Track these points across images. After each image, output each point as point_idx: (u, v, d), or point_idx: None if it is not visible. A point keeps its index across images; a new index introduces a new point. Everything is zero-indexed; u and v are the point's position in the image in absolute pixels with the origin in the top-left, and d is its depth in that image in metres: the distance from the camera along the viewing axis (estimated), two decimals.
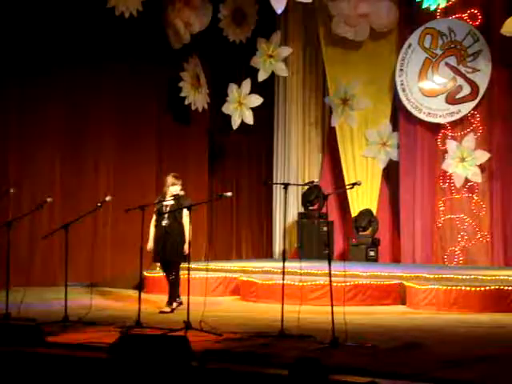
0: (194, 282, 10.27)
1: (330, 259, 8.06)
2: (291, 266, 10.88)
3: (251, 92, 14.89)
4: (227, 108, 15.00)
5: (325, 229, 14.88)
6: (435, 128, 14.85)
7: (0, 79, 12.74)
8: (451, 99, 14.50)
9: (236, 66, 15.12)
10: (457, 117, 14.50)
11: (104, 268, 13.64)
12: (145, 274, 11.96)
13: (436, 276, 11.59)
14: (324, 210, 15.30)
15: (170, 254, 10.24)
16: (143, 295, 9.46)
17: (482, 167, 14.29)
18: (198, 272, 11.60)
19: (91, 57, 13.32)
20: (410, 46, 14.90)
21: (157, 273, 11.80)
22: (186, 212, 10.04)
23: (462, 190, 14.49)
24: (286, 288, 8.82)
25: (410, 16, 14.86)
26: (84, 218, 10.10)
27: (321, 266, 11.58)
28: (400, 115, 15.23)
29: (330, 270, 7.98)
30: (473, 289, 10.58)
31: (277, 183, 16.14)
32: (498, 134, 14.32)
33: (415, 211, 14.92)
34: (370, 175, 15.38)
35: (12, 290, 9.71)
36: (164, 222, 10.27)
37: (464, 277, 11.41)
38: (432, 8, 13.78)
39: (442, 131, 14.77)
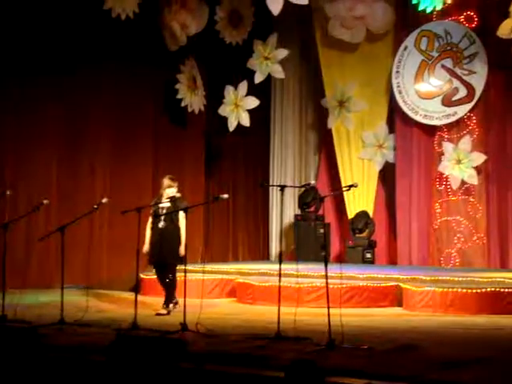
0: (191, 284, 10.22)
1: (326, 261, 8.05)
2: (288, 268, 10.86)
3: (248, 94, 14.89)
4: (224, 110, 15.00)
5: (321, 231, 14.89)
6: (431, 130, 14.87)
7: None
8: (447, 101, 14.51)
9: (232, 68, 15.11)
10: (453, 119, 14.51)
11: (100, 270, 13.62)
12: (141, 276, 11.95)
13: (432, 278, 11.59)
14: (320, 212, 15.32)
15: (167, 256, 10.23)
16: (139, 297, 9.45)
17: (478, 169, 14.30)
18: (195, 274, 11.59)
19: (88, 59, 13.31)
20: (406, 48, 14.91)
21: (153, 275, 11.77)
22: (182, 214, 10.03)
23: (459, 192, 14.50)
24: (283, 290, 8.82)
25: (406, 18, 14.87)
26: (80, 220, 10.08)
27: (317, 268, 11.56)
28: (396, 117, 15.25)
29: (326, 272, 7.97)
30: (469, 291, 10.57)
31: (273, 185, 16.14)
32: (495, 136, 14.33)
33: (411, 213, 14.93)
34: (367, 177, 15.39)
35: (8, 292, 9.71)
36: (160, 224, 10.26)
37: (460, 279, 11.42)
38: (428, 10, 13.80)
39: (439, 133, 14.78)
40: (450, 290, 10.66)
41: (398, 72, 14.98)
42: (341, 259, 15.13)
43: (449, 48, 14.52)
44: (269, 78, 15.29)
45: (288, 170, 16.32)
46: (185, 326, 8.45)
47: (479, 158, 14.27)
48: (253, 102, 14.92)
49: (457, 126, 14.59)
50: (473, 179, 14.30)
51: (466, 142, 14.37)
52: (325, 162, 16.29)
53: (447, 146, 14.53)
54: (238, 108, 14.91)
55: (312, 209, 15.63)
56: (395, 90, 14.99)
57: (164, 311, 10.17)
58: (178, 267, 10.25)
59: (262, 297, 11.36)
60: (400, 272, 12.35)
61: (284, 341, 7.91)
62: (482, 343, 8.22)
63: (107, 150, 13.94)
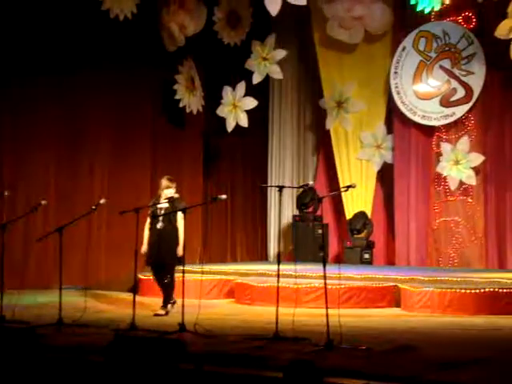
0: (189, 284, 10.24)
1: (324, 262, 8.06)
2: (286, 268, 10.85)
3: (246, 95, 14.90)
4: (222, 111, 15.00)
5: (319, 231, 14.91)
6: (430, 131, 14.88)
7: None
8: (445, 102, 14.52)
9: (230, 69, 15.12)
10: (451, 119, 14.53)
11: (98, 271, 13.61)
12: (140, 276, 11.94)
13: (430, 278, 11.60)
14: (319, 212, 15.33)
15: (165, 257, 10.22)
16: (138, 298, 9.44)
17: (476, 170, 14.31)
18: (193, 275, 11.58)
19: (86, 59, 13.31)
20: (404, 48, 14.93)
21: (151, 276, 11.77)
22: (180, 215, 10.02)
23: (457, 192, 14.51)
24: (281, 291, 8.82)
25: (405, 19, 14.89)
26: (78, 221, 10.08)
27: (316, 269, 11.56)
28: (394, 118, 15.26)
29: (324, 273, 7.97)
30: (467, 291, 10.57)
31: (271, 186, 16.15)
32: (493, 136, 14.35)
33: (410, 214, 14.94)
34: (365, 178, 15.40)
35: (6, 292, 9.70)
36: (158, 225, 10.25)
37: (459, 279, 11.42)
38: (426, 11, 13.81)
39: (437, 134, 14.80)
40: (449, 290, 10.66)
41: (396, 73, 14.99)
42: (339, 260, 15.14)
43: (447, 49, 14.53)
44: (267, 79, 15.31)
45: (286, 170, 16.33)
46: (183, 326, 8.44)
47: (477, 159, 14.28)
48: (251, 103, 14.93)
49: (455, 127, 14.61)
50: (471, 180, 14.31)
51: (464, 143, 14.38)
52: (323, 163, 16.30)
53: (445, 147, 14.54)
54: (236, 109, 14.91)
55: (310, 209, 15.63)
56: (393, 90, 15.00)
57: (162, 312, 10.16)
58: (176, 268, 10.24)
59: (261, 297, 11.36)
60: (398, 272, 12.35)
61: (282, 341, 7.90)
62: (480, 344, 8.22)
63: (106, 151, 13.93)
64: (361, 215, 15.19)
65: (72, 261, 12.59)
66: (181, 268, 9.48)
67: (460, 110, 14.42)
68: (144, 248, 10.24)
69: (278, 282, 8.59)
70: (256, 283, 11.70)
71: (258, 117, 15.58)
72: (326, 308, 7.81)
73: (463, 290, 10.60)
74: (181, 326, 8.44)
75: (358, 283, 11.45)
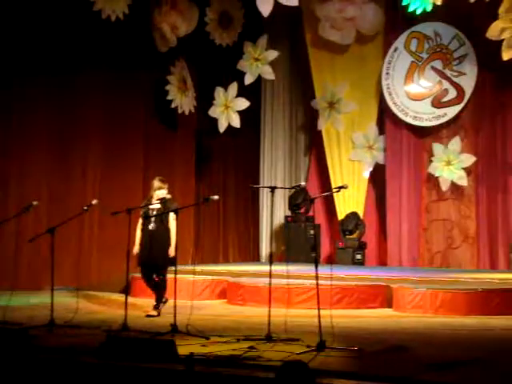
0: (181, 285, 10.23)
1: (316, 262, 8.06)
2: (278, 269, 10.86)
3: (238, 95, 14.90)
4: (214, 111, 15.00)
5: (311, 232, 14.93)
6: (421, 131, 14.91)
7: None
8: (437, 103, 14.56)
9: (223, 70, 15.13)
10: (443, 120, 14.56)
11: (90, 272, 13.59)
12: (131, 277, 11.91)
13: (422, 279, 11.62)
14: (311, 213, 15.35)
15: (157, 258, 10.20)
16: (130, 299, 9.44)
17: (467, 170, 14.35)
18: (185, 275, 11.58)
19: (77, 60, 13.29)
20: (396, 49, 14.96)
21: (141, 276, 11.75)
22: (172, 215, 10.01)
23: (448, 193, 14.54)
24: (273, 291, 8.81)
25: (396, 20, 14.92)
26: (70, 222, 10.06)
27: (308, 270, 11.58)
28: (386, 119, 15.29)
29: (316, 274, 7.98)
30: (459, 292, 10.59)
31: (264, 186, 16.16)
32: (484, 137, 14.39)
33: (401, 214, 14.97)
34: (357, 178, 15.42)
35: None
36: (150, 226, 10.24)
37: (450, 280, 11.44)
38: (418, 12, 13.82)
39: (428, 135, 14.83)
40: (440, 291, 10.66)
41: (387, 73, 15.02)
42: (331, 260, 15.16)
43: (438, 49, 14.57)
44: (259, 80, 15.32)
45: (278, 171, 16.34)
46: (175, 327, 8.44)
47: (469, 160, 14.32)
48: (243, 104, 14.93)
49: (446, 128, 14.65)
50: (462, 180, 14.34)
51: (455, 144, 14.42)
52: (315, 164, 16.32)
53: (437, 148, 14.57)
54: (228, 109, 14.91)
55: (302, 210, 15.65)
56: (385, 91, 15.03)
57: (154, 313, 10.15)
58: (168, 269, 10.23)
59: (253, 298, 11.34)
60: (390, 273, 12.38)
61: (274, 342, 7.90)
62: (471, 344, 8.23)
63: (98, 151, 13.90)
64: (353, 216, 15.21)
65: (64, 262, 12.57)
66: (173, 269, 9.47)
67: (452, 111, 14.46)
68: (136, 249, 10.23)
69: (270, 282, 8.59)
70: (248, 284, 11.69)
71: (250, 117, 15.58)
72: (318, 308, 7.81)
73: (455, 291, 10.62)
74: (173, 326, 8.44)
75: (350, 283, 11.46)
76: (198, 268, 12.72)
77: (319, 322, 7.68)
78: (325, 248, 15.88)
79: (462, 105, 14.37)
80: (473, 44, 14.19)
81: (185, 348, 7.13)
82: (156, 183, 10.33)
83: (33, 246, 10.83)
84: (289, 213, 15.89)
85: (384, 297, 11.32)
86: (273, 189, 8.89)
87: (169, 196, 10.34)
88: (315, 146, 16.27)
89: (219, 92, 14.95)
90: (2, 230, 10.12)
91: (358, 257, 14.94)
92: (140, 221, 10.33)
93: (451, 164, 14.36)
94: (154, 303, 10.24)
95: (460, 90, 14.36)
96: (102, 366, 6.65)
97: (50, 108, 13.33)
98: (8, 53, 12.77)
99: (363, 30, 14.82)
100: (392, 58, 14.96)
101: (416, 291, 10.74)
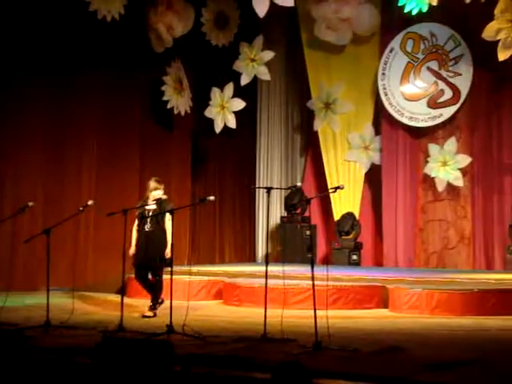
0: (177, 286, 10.23)
1: (312, 263, 8.06)
2: (274, 269, 10.86)
3: (234, 96, 14.89)
4: (210, 112, 14.98)
5: (307, 233, 14.92)
6: (417, 132, 14.92)
7: None
8: (433, 103, 14.57)
9: (218, 70, 15.12)
10: (438, 121, 14.57)
11: (86, 272, 13.57)
12: (129, 276, 11.90)
13: (418, 279, 11.64)
14: (307, 213, 15.35)
15: (153, 258, 10.20)
16: (126, 299, 9.42)
17: (463, 171, 14.36)
18: (181, 276, 11.58)
19: (73, 61, 13.26)
20: (392, 50, 14.96)
21: (136, 277, 11.73)
22: (168, 216, 10.00)
23: (444, 193, 14.55)
24: (269, 292, 8.81)
25: (392, 20, 14.91)
26: (66, 223, 10.05)
27: (304, 270, 11.57)
28: (382, 119, 15.29)
29: (312, 274, 7.98)
30: (455, 292, 10.60)
31: (260, 187, 16.15)
32: (480, 137, 14.40)
33: (397, 215, 14.98)
34: (353, 179, 15.42)
35: None
36: (146, 227, 10.23)
37: (446, 280, 11.45)
38: (414, 12, 13.81)
39: (424, 135, 14.83)
40: (436, 291, 10.67)
41: (383, 74, 15.03)
42: (327, 261, 15.15)
43: (434, 50, 14.58)
44: (255, 80, 15.30)
45: (274, 171, 16.34)
46: (171, 328, 8.43)
47: (465, 160, 14.33)
48: (239, 104, 14.91)
49: (442, 128, 14.66)
50: (458, 181, 14.35)
51: (451, 144, 14.43)
52: (311, 164, 16.32)
53: (433, 148, 14.58)
54: (224, 110, 14.90)
55: (298, 211, 15.65)
56: (381, 91, 15.03)
57: (150, 313, 10.14)
58: (164, 269, 10.22)
59: (249, 298, 11.35)
60: (386, 274, 12.40)
61: (270, 342, 7.90)
62: (468, 344, 8.24)
63: (93, 152, 13.87)
64: (349, 216, 15.21)
65: (60, 262, 12.54)
66: (169, 269, 9.46)
67: (447, 112, 14.46)
68: (132, 250, 10.22)
69: (266, 283, 8.59)
70: (244, 284, 11.69)
71: (246, 118, 15.57)
72: (314, 309, 7.82)
73: (451, 291, 10.63)
74: (169, 327, 8.43)
75: (346, 284, 11.46)
76: (194, 268, 12.74)
77: (315, 322, 7.69)
78: (321, 249, 15.88)
79: (457, 105, 14.38)
80: (468, 45, 14.19)
81: (181, 349, 7.12)
82: (152, 184, 10.33)
83: (28, 246, 10.83)
84: (285, 213, 15.89)
85: (380, 297, 11.33)
86: (269, 189, 8.89)
87: (165, 197, 10.33)
88: (311, 147, 16.27)
89: (215, 92, 14.94)
90: None
91: (354, 257, 14.94)
92: (136, 221, 10.32)
93: (447, 165, 14.37)
94: (150, 304, 10.24)
95: (456, 91, 14.36)
96: (98, 367, 6.64)
97: (45, 108, 13.30)
98: (3, 53, 12.74)
99: (359, 30, 14.82)
100: (388, 59, 14.97)
101: (412, 292, 10.75)
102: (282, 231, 15.55)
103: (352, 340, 8.11)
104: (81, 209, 9.73)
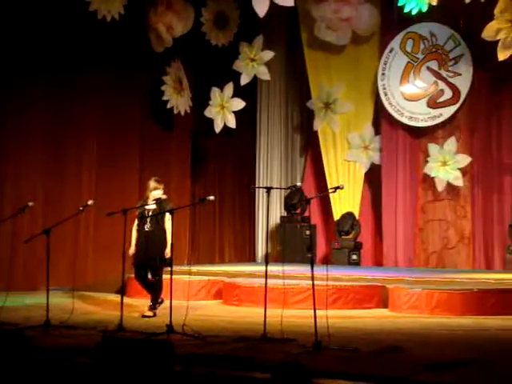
0: (177, 285, 10.24)
1: (312, 263, 8.07)
2: (274, 269, 10.86)
3: (233, 96, 14.89)
4: (209, 112, 14.98)
5: (307, 232, 14.92)
6: (417, 132, 14.92)
7: None
8: (433, 103, 14.56)
9: (218, 70, 15.12)
10: (438, 121, 14.57)
11: (86, 272, 13.57)
12: (128, 276, 11.89)
13: (418, 279, 11.64)
14: (306, 213, 15.35)
15: (153, 258, 10.20)
16: (125, 299, 9.43)
17: (463, 171, 14.36)
18: (181, 276, 11.58)
19: (73, 61, 13.26)
20: (391, 50, 14.96)
21: (136, 277, 11.73)
22: (168, 216, 10.00)
23: (444, 193, 14.55)
24: (269, 292, 8.82)
25: (392, 20, 14.91)
26: (66, 223, 10.06)
27: (303, 270, 11.57)
28: (382, 119, 15.29)
29: (312, 274, 7.98)
30: (455, 292, 10.60)
31: (259, 187, 16.15)
32: (480, 137, 14.40)
33: (397, 215, 14.97)
34: (353, 179, 15.42)
35: None
36: (146, 227, 10.24)
37: (446, 280, 11.45)
38: (414, 12, 13.82)
39: (424, 135, 14.83)
40: (436, 291, 10.67)
41: (383, 74, 15.02)
42: (327, 261, 15.15)
43: (434, 50, 14.58)
44: (255, 80, 15.29)
45: (274, 171, 16.34)
46: (171, 327, 8.43)
47: (464, 160, 14.33)
48: (239, 104, 14.91)
49: (442, 128, 14.66)
50: (458, 181, 14.35)
51: (451, 144, 14.43)
52: (311, 164, 16.32)
53: (433, 148, 14.58)
54: (223, 110, 14.90)
55: (298, 210, 15.65)
56: (381, 91, 15.03)
57: (150, 313, 10.14)
58: (164, 269, 10.22)
59: (249, 298, 11.35)
60: (386, 273, 12.39)
61: (270, 342, 7.90)
62: (467, 344, 8.24)
63: (93, 152, 13.87)
64: (349, 216, 15.21)
65: (59, 262, 12.55)
66: (168, 269, 9.46)
67: (447, 111, 14.46)
68: (132, 249, 10.22)
69: (265, 283, 8.60)
70: (244, 284, 11.69)
71: (246, 118, 15.57)
72: (314, 309, 7.82)
73: (451, 291, 10.63)
74: (169, 327, 8.43)
75: (345, 284, 11.46)
76: (194, 268, 12.74)
77: (315, 322, 7.69)
78: (321, 248, 15.88)
79: (457, 105, 14.38)
80: (468, 44, 14.19)
81: (181, 348, 7.13)
82: (152, 184, 10.33)
83: (28, 246, 10.83)
84: (285, 213, 15.89)
85: (380, 297, 11.34)
86: (269, 189, 8.89)
87: (164, 196, 10.34)
88: (311, 147, 16.27)
89: (215, 92, 14.94)
90: None
91: (354, 257, 14.94)
92: (136, 221, 10.33)
93: (447, 164, 14.37)
94: (150, 304, 10.24)
95: (455, 91, 14.37)
96: (98, 367, 6.64)
97: (46, 108, 13.31)
98: (3, 53, 12.73)
99: (359, 30, 14.82)
100: (388, 59, 14.97)
101: (412, 291, 10.76)
102: (282, 231, 15.55)
103: (352, 340, 8.11)
104: (81, 209, 9.73)
